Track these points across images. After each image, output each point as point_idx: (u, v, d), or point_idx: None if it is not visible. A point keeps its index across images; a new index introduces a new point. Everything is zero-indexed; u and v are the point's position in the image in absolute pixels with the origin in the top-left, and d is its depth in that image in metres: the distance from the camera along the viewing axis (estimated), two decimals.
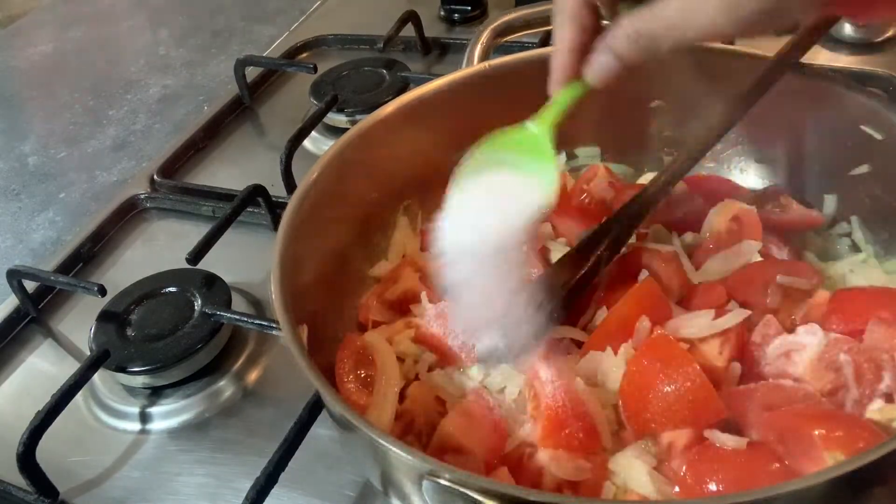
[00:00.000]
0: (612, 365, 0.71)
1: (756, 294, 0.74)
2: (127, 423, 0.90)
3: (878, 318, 0.68)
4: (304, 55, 1.55)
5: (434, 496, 0.54)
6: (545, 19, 1.04)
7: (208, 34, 1.77)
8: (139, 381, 0.91)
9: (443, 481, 0.53)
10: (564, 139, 1.00)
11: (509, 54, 0.96)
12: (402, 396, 0.74)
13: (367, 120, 0.89)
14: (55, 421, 0.82)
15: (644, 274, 0.77)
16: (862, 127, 0.80)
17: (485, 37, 1.01)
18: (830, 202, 0.88)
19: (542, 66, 0.95)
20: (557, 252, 0.85)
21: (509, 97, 0.96)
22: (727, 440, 0.63)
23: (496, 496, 0.51)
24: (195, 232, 1.05)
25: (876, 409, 0.64)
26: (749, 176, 0.94)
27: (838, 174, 0.85)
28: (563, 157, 1.02)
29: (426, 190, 0.97)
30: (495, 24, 1.03)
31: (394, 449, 0.56)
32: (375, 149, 0.89)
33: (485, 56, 1.00)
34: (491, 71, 0.95)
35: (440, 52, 1.48)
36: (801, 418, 0.62)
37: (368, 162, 0.89)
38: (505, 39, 1.04)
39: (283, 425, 0.77)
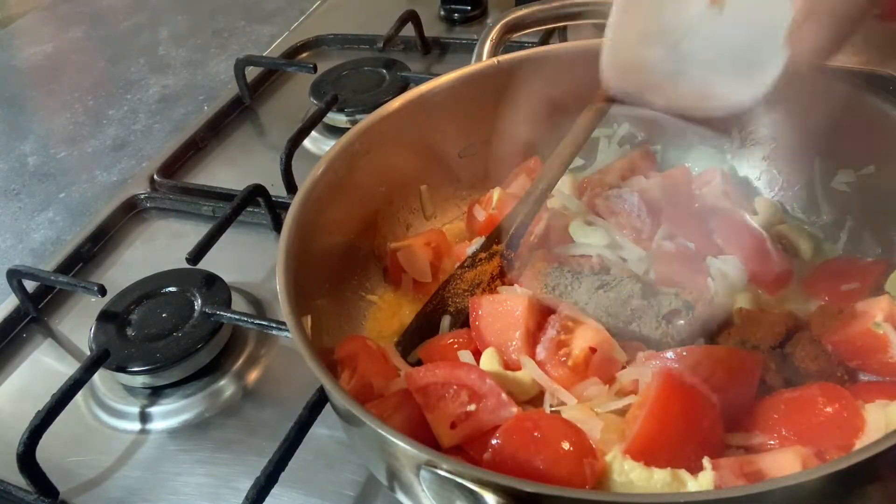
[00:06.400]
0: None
1: None
2: (127, 422, 0.90)
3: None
4: (304, 55, 1.55)
5: (431, 486, 0.54)
6: (557, 16, 1.04)
7: (208, 34, 1.77)
8: (139, 380, 0.91)
9: (440, 471, 0.53)
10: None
11: (507, 53, 0.96)
12: None
13: (375, 114, 0.89)
14: (55, 421, 0.82)
15: None
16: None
17: (495, 33, 1.01)
18: (830, 201, 0.87)
19: (552, 62, 0.95)
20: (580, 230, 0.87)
21: (518, 92, 0.96)
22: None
23: (492, 486, 0.51)
24: (195, 232, 1.05)
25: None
26: (748, 170, 0.94)
27: (839, 174, 0.85)
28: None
29: (434, 184, 0.97)
30: (507, 19, 1.02)
31: (392, 438, 0.56)
32: (384, 143, 0.89)
33: (494, 52, 1.00)
34: (501, 66, 0.94)
35: (440, 51, 1.48)
36: None
37: (376, 155, 0.89)
38: (514, 36, 1.03)
39: (283, 425, 0.77)
